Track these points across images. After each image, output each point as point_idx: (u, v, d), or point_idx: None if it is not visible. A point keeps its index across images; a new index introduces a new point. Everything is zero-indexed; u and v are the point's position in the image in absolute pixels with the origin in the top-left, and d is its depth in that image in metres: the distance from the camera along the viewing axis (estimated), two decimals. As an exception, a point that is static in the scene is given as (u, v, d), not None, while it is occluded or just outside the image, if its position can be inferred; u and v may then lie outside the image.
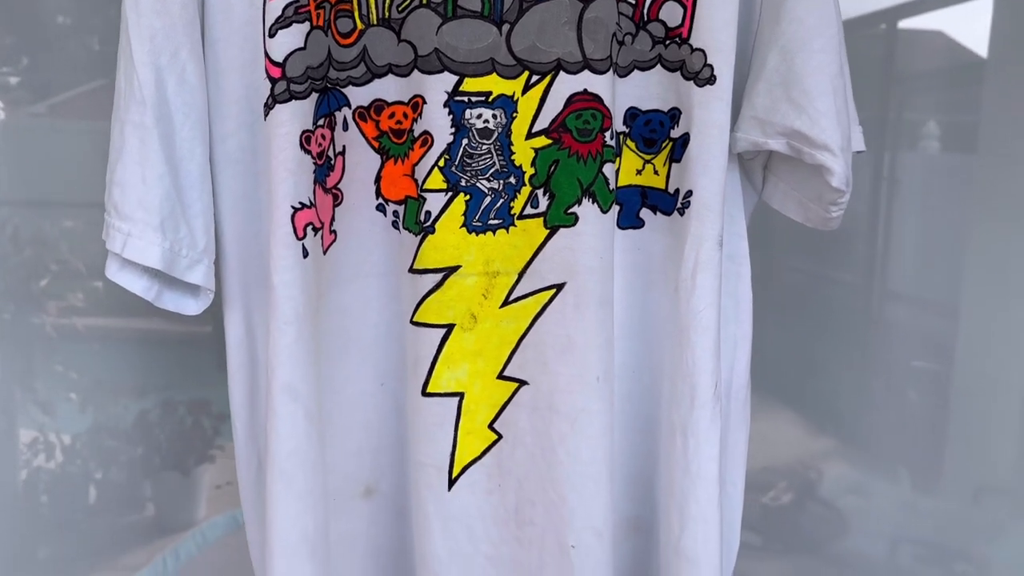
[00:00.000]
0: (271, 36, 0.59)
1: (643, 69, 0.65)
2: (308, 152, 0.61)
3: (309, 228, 0.61)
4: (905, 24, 1.90)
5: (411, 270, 0.65)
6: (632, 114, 0.66)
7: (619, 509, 0.70)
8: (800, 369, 2.02)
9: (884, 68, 1.95)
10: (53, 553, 1.53)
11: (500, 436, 0.66)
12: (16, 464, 1.55)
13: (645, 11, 0.64)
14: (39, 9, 1.58)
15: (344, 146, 0.64)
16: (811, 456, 1.90)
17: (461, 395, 0.65)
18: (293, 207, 0.60)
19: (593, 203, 0.64)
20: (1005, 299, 1.63)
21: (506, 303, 0.65)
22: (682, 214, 0.66)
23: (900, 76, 1.96)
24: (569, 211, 0.64)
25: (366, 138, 0.65)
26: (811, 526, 1.74)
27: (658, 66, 0.65)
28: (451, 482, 0.66)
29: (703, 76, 0.63)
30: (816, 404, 1.97)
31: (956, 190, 1.85)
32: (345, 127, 0.64)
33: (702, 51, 0.63)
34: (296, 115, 0.59)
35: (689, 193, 0.65)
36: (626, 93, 0.65)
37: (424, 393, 0.65)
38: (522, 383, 0.65)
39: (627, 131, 0.67)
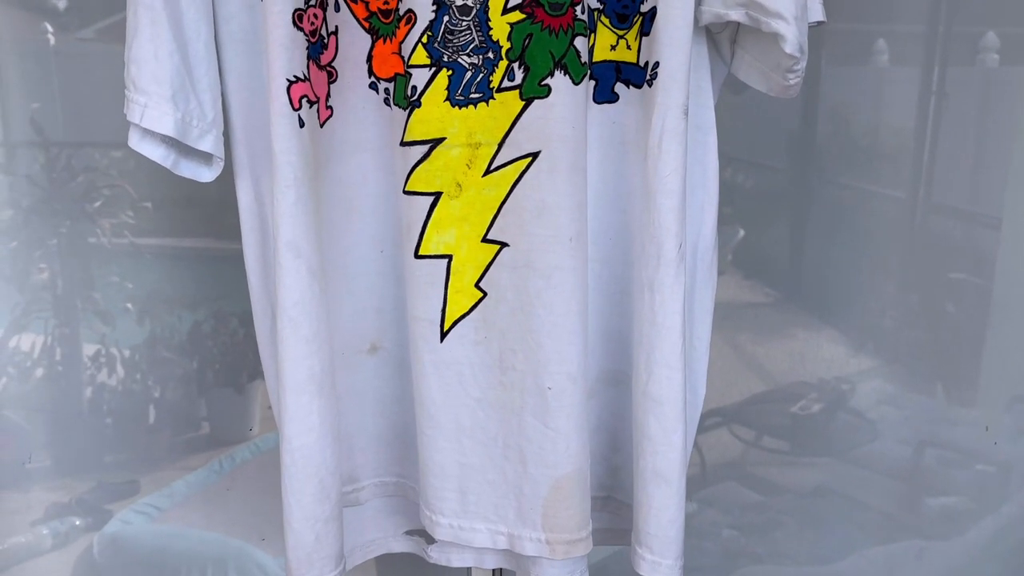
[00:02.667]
0: None
1: None
2: (301, 29, 0.68)
3: (304, 100, 0.69)
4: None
5: (401, 143, 0.72)
6: None
7: (597, 364, 0.78)
8: (842, 286, 2.05)
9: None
10: (117, 459, 1.67)
11: (485, 294, 0.74)
12: (81, 380, 1.69)
13: None
14: None
15: (337, 26, 0.71)
16: (848, 372, 1.94)
17: (450, 257, 0.73)
18: (288, 80, 0.68)
19: (565, 75, 0.70)
20: None
21: (488, 172, 0.72)
22: (650, 85, 0.71)
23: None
24: (543, 83, 0.70)
25: (357, 19, 0.71)
26: (839, 434, 1.79)
27: None
28: (443, 335, 0.74)
29: None
30: (857, 321, 1.99)
31: (1005, 103, 1.82)
32: (337, 8, 0.71)
33: None
34: None
35: (656, 64, 0.70)
36: None
37: (416, 255, 0.73)
38: (503, 245, 0.73)
39: (601, 7, 0.72)
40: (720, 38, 0.74)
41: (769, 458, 1.80)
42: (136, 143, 0.70)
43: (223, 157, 0.72)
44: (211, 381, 1.75)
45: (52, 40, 1.75)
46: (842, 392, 1.84)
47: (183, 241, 1.78)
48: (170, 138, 0.70)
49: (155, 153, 0.71)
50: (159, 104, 0.67)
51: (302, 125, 0.69)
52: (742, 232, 2.23)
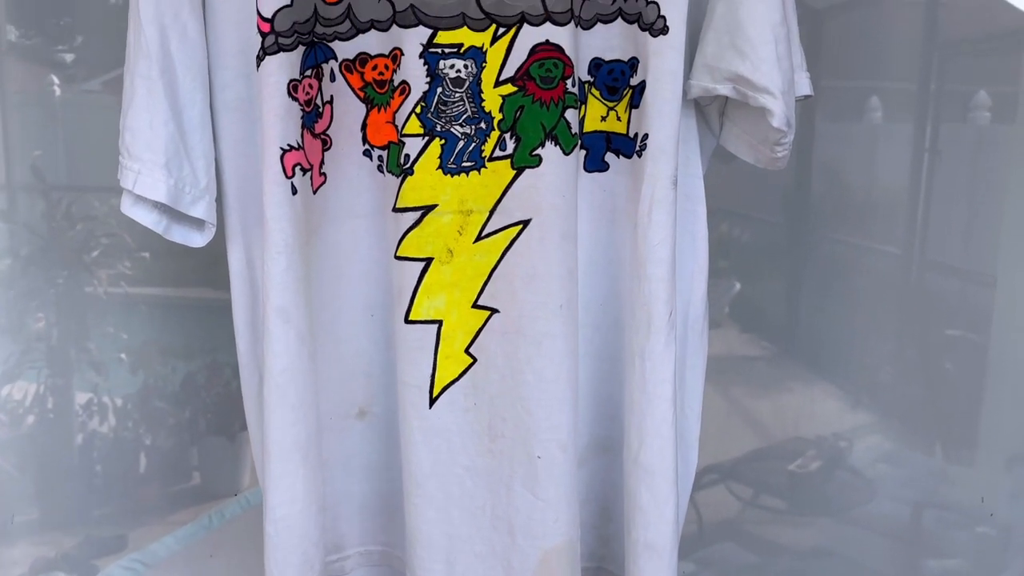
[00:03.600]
0: None
1: (605, 22, 0.72)
2: (295, 99, 0.69)
3: (297, 168, 0.70)
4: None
5: (394, 209, 0.73)
6: (596, 64, 0.73)
7: (589, 431, 0.77)
8: (838, 341, 2.05)
9: (925, 37, 1.95)
10: (105, 512, 1.65)
11: (475, 359, 0.74)
12: (72, 427, 1.68)
13: None
14: None
15: (332, 96, 0.72)
16: (844, 427, 1.92)
17: (440, 322, 0.73)
18: (282, 148, 0.68)
19: (556, 145, 0.71)
20: None
21: (479, 238, 0.72)
22: (640, 156, 0.72)
23: (942, 44, 1.95)
24: (534, 153, 0.71)
25: (352, 89, 0.73)
26: (837, 493, 1.78)
27: (619, 19, 0.72)
28: (432, 401, 0.74)
29: (657, 27, 0.69)
30: (853, 375, 1.99)
31: (997, 161, 1.85)
32: (332, 78, 0.72)
33: (655, 3, 0.69)
34: (283, 66, 0.68)
35: (646, 136, 0.71)
36: (590, 44, 0.72)
37: (407, 321, 0.73)
38: (494, 311, 0.73)
39: (592, 80, 0.73)
40: (709, 110, 0.75)
41: (767, 517, 1.78)
42: (128, 208, 0.71)
43: (215, 223, 0.73)
44: (203, 430, 1.74)
45: (58, 92, 1.78)
46: (840, 449, 1.83)
47: (179, 291, 1.79)
48: (162, 204, 0.70)
49: (147, 219, 0.71)
50: (152, 171, 0.68)
51: (295, 192, 0.70)
52: (738, 285, 2.24)
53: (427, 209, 0.72)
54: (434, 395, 0.74)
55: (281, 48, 0.68)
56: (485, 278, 0.73)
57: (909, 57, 1.91)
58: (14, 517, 1.55)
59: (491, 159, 0.72)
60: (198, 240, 0.73)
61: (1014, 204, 1.71)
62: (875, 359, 1.98)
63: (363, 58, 0.72)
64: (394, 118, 0.72)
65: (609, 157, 0.75)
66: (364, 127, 0.73)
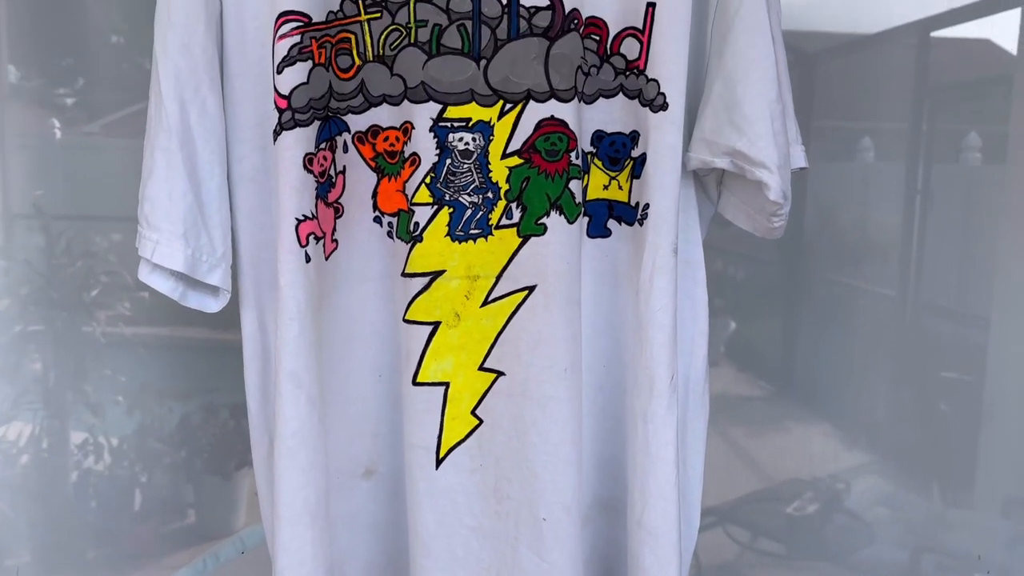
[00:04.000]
0: (279, 73, 0.70)
1: (607, 97, 0.75)
2: (311, 172, 0.72)
3: (311, 237, 0.73)
4: (941, 34, 1.94)
5: (403, 274, 0.75)
6: (598, 136, 0.76)
7: (592, 491, 0.79)
8: (834, 380, 2.07)
9: (916, 79, 2.00)
10: (100, 555, 1.65)
11: (481, 421, 0.76)
12: (67, 465, 1.69)
13: (608, 46, 0.74)
14: (94, 30, 1.72)
15: (344, 166, 0.75)
16: (841, 468, 1.94)
17: (447, 384, 0.75)
18: (297, 219, 0.71)
19: (560, 215, 0.74)
20: None
21: (485, 303, 0.75)
22: (642, 224, 0.75)
23: (933, 86, 2.00)
24: (539, 222, 0.74)
25: (364, 159, 0.76)
26: (835, 536, 1.79)
27: (620, 94, 0.75)
28: (438, 462, 0.76)
29: (657, 103, 0.73)
30: (849, 416, 2.01)
31: (988, 202, 1.89)
32: (345, 149, 0.75)
33: (656, 81, 0.72)
34: (299, 140, 0.71)
35: (647, 206, 0.74)
36: (593, 118, 0.75)
37: (414, 383, 0.75)
38: (500, 374, 0.75)
39: (594, 151, 0.76)
40: (707, 180, 0.78)
41: (765, 561, 1.79)
42: (146, 276, 0.73)
43: (230, 289, 0.75)
44: (199, 469, 1.74)
45: (59, 135, 1.81)
46: (837, 492, 1.84)
47: (178, 330, 1.80)
48: (179, 272, 0.73)
49: (164, 286, 0.74)
50: (171, 241, 0.71)
51: (308, 260, 0.72)
52: (733, 324, 2.27)
53: (435, 275, 0.75)
54: (441, 456, 0.76)
55: (297, 124, 0.71)
56: (491, 341, 0.75)
57: (901, 98, 1.96)
58: (5, 561, 1.55)
59: (498, 227, 0.74)
60: (213, 306, 0.76)
61: (1007, 246, 1.75)
62: (871, 399, 2.00)
63: (375, 130, 0.75)
64: (404, 187, 0.75)
65: (611, 224, 0.78)
66: (375, 195, 0.76)
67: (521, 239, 0.74)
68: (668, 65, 0.72)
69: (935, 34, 1.96)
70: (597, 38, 0.74)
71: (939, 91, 2.01)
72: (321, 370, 0.74)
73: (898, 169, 2.04)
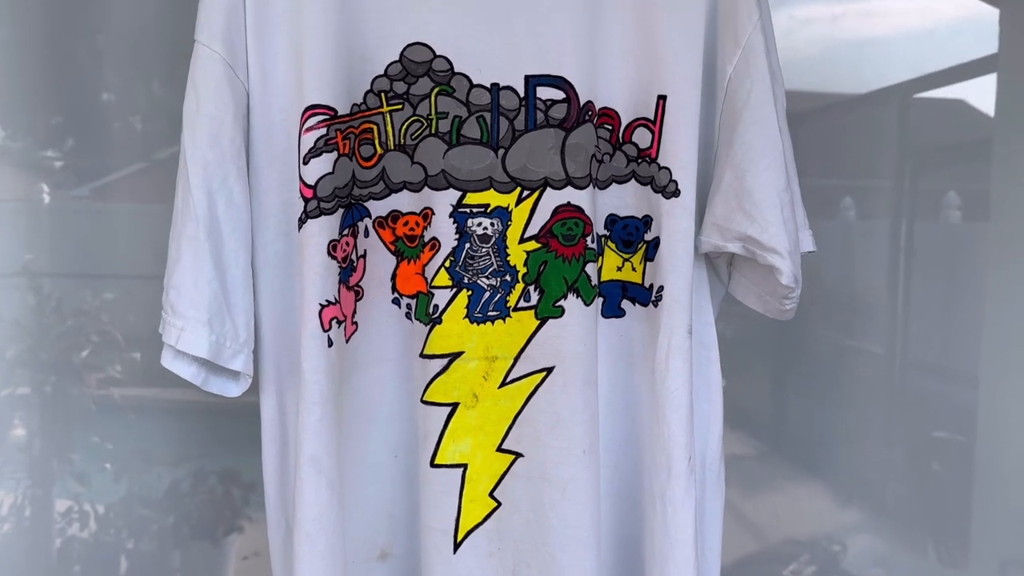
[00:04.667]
0: (305, 164, 0.73)
1: (620, 182, 0.78)
2: (334, 258, 0.74)
3: (334, 321, 0.74)
4: (922, 95, 2.01)
5: (421, 355, 0.77)
6: (612, 220, 0.79)
7: (609, 571, 0.80)
8: (826, 440, 2.08)
9: (898, 140, 2.06)
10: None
11: (499, 503, 0.77)
12: (51, 533, 1.66)
13: (620, 135, 0.78)
14: (85, 87, 1.74)
15: (365, 250, 0.77)
16: (836, 528, 1.94)
17: (465, 466, 0.76)
18: (320, 304, 0.73)
19: (577, 297, 0.76)
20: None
21: (504, 384, 0.77)
22: (656, 306, 0.77)
23: (915, 147, 2.07)
24: (556, 304, 0.76)
25: (384, 243, 0.78)
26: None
27: (632, 180, 0.78)
28: (456, 545, 0.76)
29: (669, 190, 0.76)
30: (843, 475, 2.02)
31: (972, 259, 1.94)
32: (366, 234, 0.77)
33: (668, 169, 0.76)
34: (324, 228, 0.73)
35: (661, 288, 0.77)
36: (606, 202, 0.78)
37: (432, 464, 0.76)
38: (518, 455, 0.76)
39: (608, 234, 0.79)
40: (718, 262, 0.81)
41: (763, 624, 1.78)
42: (168, 362, 0.74)
43: (251, 375, 0.76)
44: (187, 535, 1.71)
45: (47, 199, 1.82)
46: (833, 553, 1.84)
47: (168, 392, 1.79)
48: (202, 358, 0.74)
49: (186, 372, 0.74)
50: (196, 328, 0.72)
51: (330, 345, 0.74)
52: (724, 382, 2.28)
53: (454, 356, 0.76)
54: (458, 539, 0.76)
55: (323, 212, 0.73)
56: (510, 422, 0.76)
57: (882, 158, 2.02)
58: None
59: (516, 309, 0.76)
60: (234, 390, 0.77)
61: (993, 304, 1.79)
62: (864, 458, 2.01)
63: (395, 215, 0.77)
64: (423, 270, 0.77)
65: (625, 304, 0.80)
66: (394, 277, 0.78)
67: (539, 321, 0.76)
68: (680, 154, 0.75)
69: (915, 96, 2.03)
70: (610, 127, 0.77)
71: (919, 151, 2.07)
72: (341, 455, 0.75)
73: (881, 227, 2.10)
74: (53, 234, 1.79)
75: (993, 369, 1.81)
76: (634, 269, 0.79)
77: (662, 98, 0.75)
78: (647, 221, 0.78)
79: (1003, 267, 1.77)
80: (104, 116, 1.80)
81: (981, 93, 1.89)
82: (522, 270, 0.76)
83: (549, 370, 0.76)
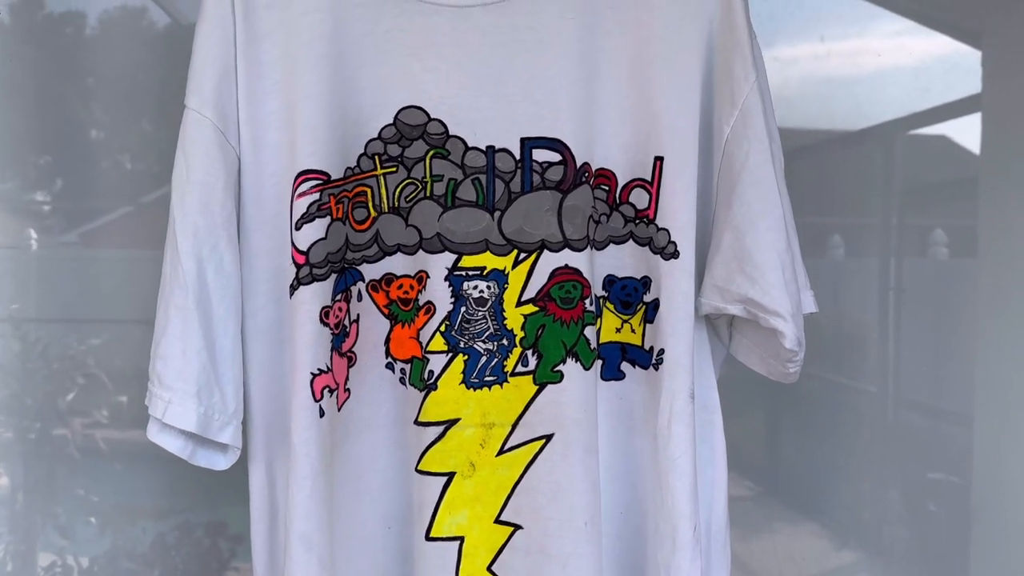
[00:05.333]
0: (297, 229, 0.71)
1: (618, 243, 0.77)
2: (327, 325, 0.72)
3: (325, 391, 0.72)
4: (909, 134, 2.03)
5: (416, 422, 0.74)
6: (610, 280, 0.77)
7: (612, 645, 0.77)
8: (820, 480, 2.06)
9: (885, 177, 2.07)
10: None
11: None
12: (34, 587, 1.61)
13: (617, 195, 0.76)
14: (74, 124, 1.72)
15: (358, 314, 0.75)
16: (833, 570, 1.91)
17: (461, 539, 0.74)
18: (312, 373, 0.70)
19: (576, 362, 0.74)
20: (1019, 407, 1.68)
21: (501, 452, 0.74)
22: (656, 369, 0.75)
23: (902, 185, 2.07)
24: (555, 369, 0.74)
25: (377, 306, 0.76)
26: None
27: (630, 240, 0.77)
28: (453, 622, 0.73)
29: (668, 251, 0.74)
30: (837, 516, 1.99)
31: (962, 296, 1.93)
32: (359, 298, 0.75)
33: (666, 230, 0.74)
34: (316, 295, 0.71)
35: (662, 351, 0.75)
36: (604, 263, 0.77)
37: (428, 538, 0.73)
38: (517, 527, 0.74)
39: (606, 295, 0.77)
40: (718, 322, 0.80)
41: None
42: (155, 435, 0.71)
43: (240, 447, 0.74)
44: (173, 588, 1.67)
45: (35, 245, 1.79)
46: (833, 598, 1.81)
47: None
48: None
49: (173, 445, 0.72)
50: (183, 400, 0.69)
51: (322, 415, 0.71)
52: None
53: (450, 423, 0.74)
54: (456, 616, 0.73)
55: (315, 278, 0.71)
56: (508, 492, 0.74)
57: (869, 196, 2.03)
58: None
59: (513, 374, 0.74)
60: (222, 463, 0.74)
61: (985, 342, 1.78)
62: (858, 499, 1.99)
63: (388, 278, 0.75)
64: (418, 334, 0.75)
65: (625, 366, 0.78)
66: (388, 341, 0.76)
67: (537, 386, 0.74)
68: (678, 215, 0.74)
69: (901, 134, 2.04)
70: (607, 188, 0.76)
71: (906, 189, 2.08)
72: (332, 529, 0.72)
73: (869, 265, 2.10)
74: (40, 281, 1.76)
75: (987, 408, 1.80)
76: (633, 331, 0.77)
77: (659, 159, 0.74)
78: (646, 282, 0.77)
79: (993, 304, 1.77)
80: (94, 154, 1.79)
81: (966, 132, 1.91)
82: (519, 334, 0.74)
83: (548, 437, 0.74)
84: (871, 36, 1.88)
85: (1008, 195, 1.72)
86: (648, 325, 0.76)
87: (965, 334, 1.88)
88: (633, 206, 0.76)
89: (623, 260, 0.77)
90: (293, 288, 0.71)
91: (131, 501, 1.71)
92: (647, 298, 0.77)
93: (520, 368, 0.74)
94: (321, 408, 0.71)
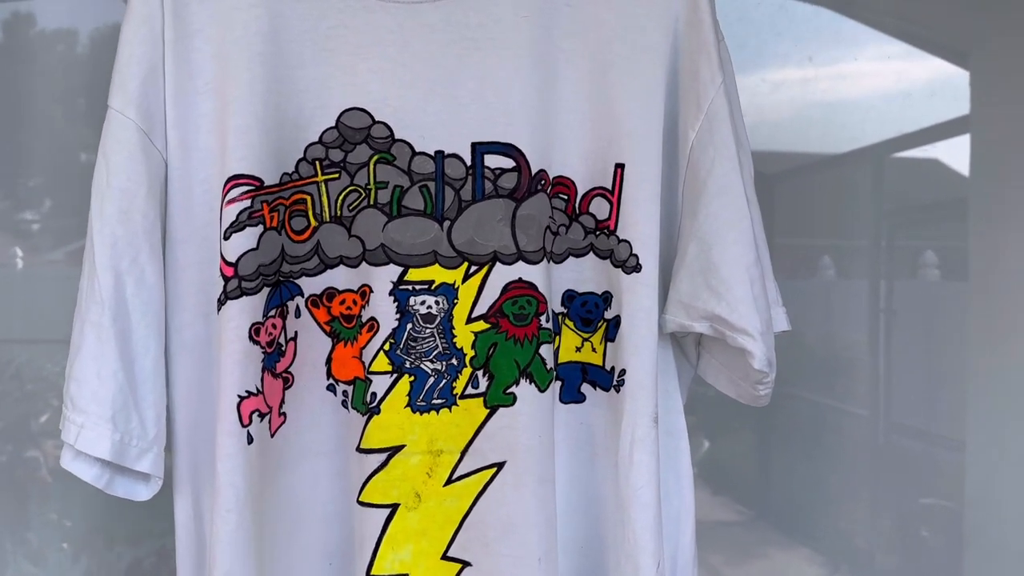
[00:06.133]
0: (226, 239, 0.64)
1: (577, 256, 0.70)
2: (257, 343, 0.65)
3: (255, 415, 0.65)
4: (898, 156, 1.98)
5: (358, 449, 0.67)
6: (569, 296, 0.70)
7: None
8: (812, 504, 1.99)
9: (875, 199, 2.02)
10: None
11: None
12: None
13: (577, 205, 0.70)
14: (64, 146, 1.68)
15: (296, 331, 0.69)
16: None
17: (406, 576, 0.66)
18: (239, 396, 0.64)
19: (531, 383, 0.67)
20: (1012, 431, 1.61)
21: (449, 481, 0.67)
22: (618, 391, 0.68)
23: (891, 206, 2.02)
24: (508, 391, 0.67)
25: (318, 323, 0.69)
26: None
27: (591, 253, 0.70)
28: (395, 668, 0.66)
29: (629, 264, 0.68)
30: (830, 541, 1.92)
31: (953, 320, 1.87)
32: (298, 314, 0.69)
33: (628, 242, 0.68)
34: (245, 310, 0.64)
35: (623, 372, 0.68)
36: (562, 277, 0.70)
37: (368, 575, 0.66)
38: (465, 564, 0.66)
39: (565, 311, 0.71)
40: (685, 341, 0.73)
41: None
42: (68, 462, 0.64)
43: (162, 476, 0.66)
44: (149, 617, 1.59)
45: (20, 264, 1.73)
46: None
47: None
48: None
49: (87, 473, 0.65)
50: (97, 425, 0.62)
51: (250, 442, 0.64)
52: (707, 443, 2.19)
53: (394, 450, 0.67)
54: (399, 659, 0.66)
55: (244, 292, 0.64)
56: (456, 526, 0.67)
57: (859, 217, 1.97)
58: None
59: (463, 397, 0.68)
60: (143, 493, 0.67)
61: (976, 365, 1.72)
62: (850, 524, 1.92)
63: (330, 292, 0.68)
64: (361, 354, 0.68)
65: (585, 388, 0.71)
66: (329, 361, 0.69)
67: (488, 410, 0.67)
68: (640, 227, 0.67)
69: (890, 156, 2.00)
70: (565, 197, 0.70)
71: (895, 210, 2.03)
72: (263, 567, 0.65)
73: (860, 287, 2.04)
74: (25, 300, 1.71)
75: (979, 432, 1.73)
76: (594, 350, 0.71)
77: (620, 166, 0.68)
78: (607, 298, 0.70)
79: (984, 327, 1.71)
80: (83, 176, 1.73)
81: (955, 153, 1.86)
82: (470, 353, 0.68)
83: (500, 465, 0.66)
84: (860, 58, 1.83)
85: (998, 216, 1.67)
86: (609, 344, 0.70)
87: (957, 356, 1.82)
88: (593, 216, 0.70)
89: (583, 274, 0.70)
90: (220, 303, 0.65)
91: (106, 526, 1.64)
92: (608, 315, 0.70)
93: (470, 390, 0.67)
94: (249, 434, 0.64)
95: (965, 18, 1.76)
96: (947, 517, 1.78)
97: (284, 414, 0.68)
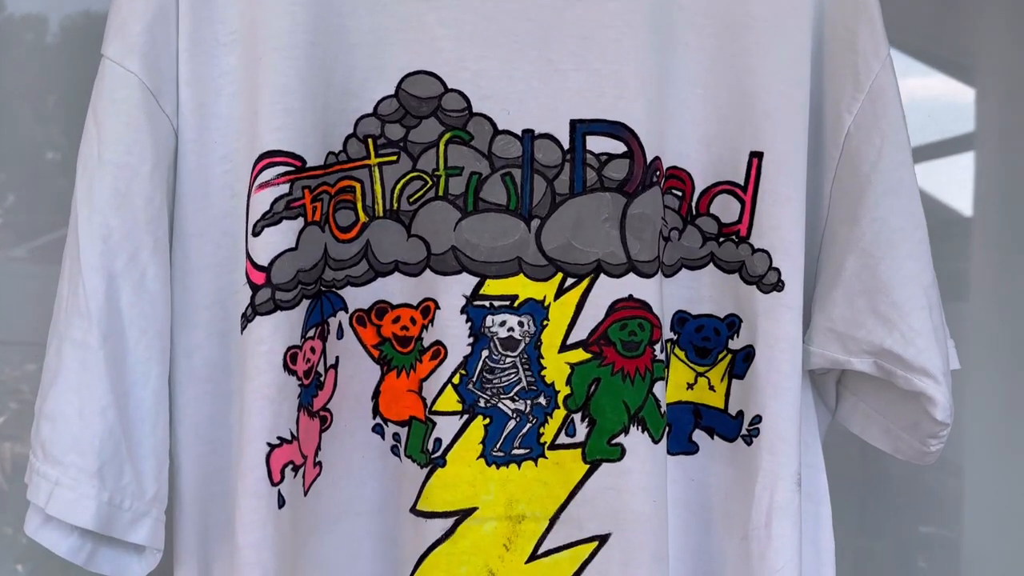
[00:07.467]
0: (255, 234, 0.47)
1: (692, 268, 0.55)
2: (293, 373, 0.48)
3: (288, 469, 0.48)
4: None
5: (414, 510, 0.51)
6: (681, 318, 0.55)
7: None
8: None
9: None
10: None
11: None
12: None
13: (693, 204, 0.54)
14: (30, 145, 1.50)
15: (337, 357, 0.52)
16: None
17: None
18: (269, 444, 0.47)
19: (643, 432, 0.51)
20: (1011, 457, 1.52)
21: (533, 557, 0.51)
22: (749, 443, 0.53)
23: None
24: (614, 442, 0.51)
25: (364, 346, 0.52)
26: None
27: (710, 265, 0.54)
28: None
29: (768, 281, 0.52)
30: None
31: (953, 338, 1.77)
32: (340, 335, 0.52)
33: (766, 252, 0.52)
34: (280, 329, 0.47)
35: (757, 419, 0.52)
36: (673, 294, 0.54)
37: None
38: None
39: (675, 338, 0.55)
40: (824, 379, 0.57)
41: None
42: (34, 531, 0.46)
43: (161, 548, 0.49)
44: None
45: (-21, 262, 1.53)
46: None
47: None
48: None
49: (61, 545, 0.47)
50: (77, 482, 0.45)
51: (282, 505, 0.47)
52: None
53: (462, 515, 0.51)
54: None
55: (279, 306, 0.47)
56: None
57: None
58: None
59: (553, 447, 0.51)
60: (136, 570, 0.48)
61: (974, 387, 1.62)
62: (841, 548, 1.81)
63: (381, 308, 0.52)
64: (421, 387, 0.51)
65: (698, 436, 0.55)
66: (376, 395, 0.52)
67: (588, 466, 0.51)
68: (782, 232, 0.52)
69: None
70: (679, 193, 0.54)
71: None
72: None
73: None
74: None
75: (977, 457, 1.63)
76: (712, 388, 0.55)
77: (756, 155, 0.53)
78: (732, 323, 0.54)
79: (984, 349, 1.61)
80: (49, 174, 1.57)
81: (959, 170, 1.78)
82: (563, 390, 0.51)
83: (603, 539, 0.50)
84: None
85: (1001, 236, 1.57)
86: (735, 381, 0.54)
87: (955, 379, 1.72)
88: (716, 219, 0.54)
89: (699, 291, 0.54)
90: (247, 319, 0.47)
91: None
92: (734, 344, 0.54)
93: (564, 438, 0.51)
94: (281, 494, 0.47)
95: (971, 33, 1.67)
96: (946, 546, 1.68)
97: (320, 463, 0.51)
